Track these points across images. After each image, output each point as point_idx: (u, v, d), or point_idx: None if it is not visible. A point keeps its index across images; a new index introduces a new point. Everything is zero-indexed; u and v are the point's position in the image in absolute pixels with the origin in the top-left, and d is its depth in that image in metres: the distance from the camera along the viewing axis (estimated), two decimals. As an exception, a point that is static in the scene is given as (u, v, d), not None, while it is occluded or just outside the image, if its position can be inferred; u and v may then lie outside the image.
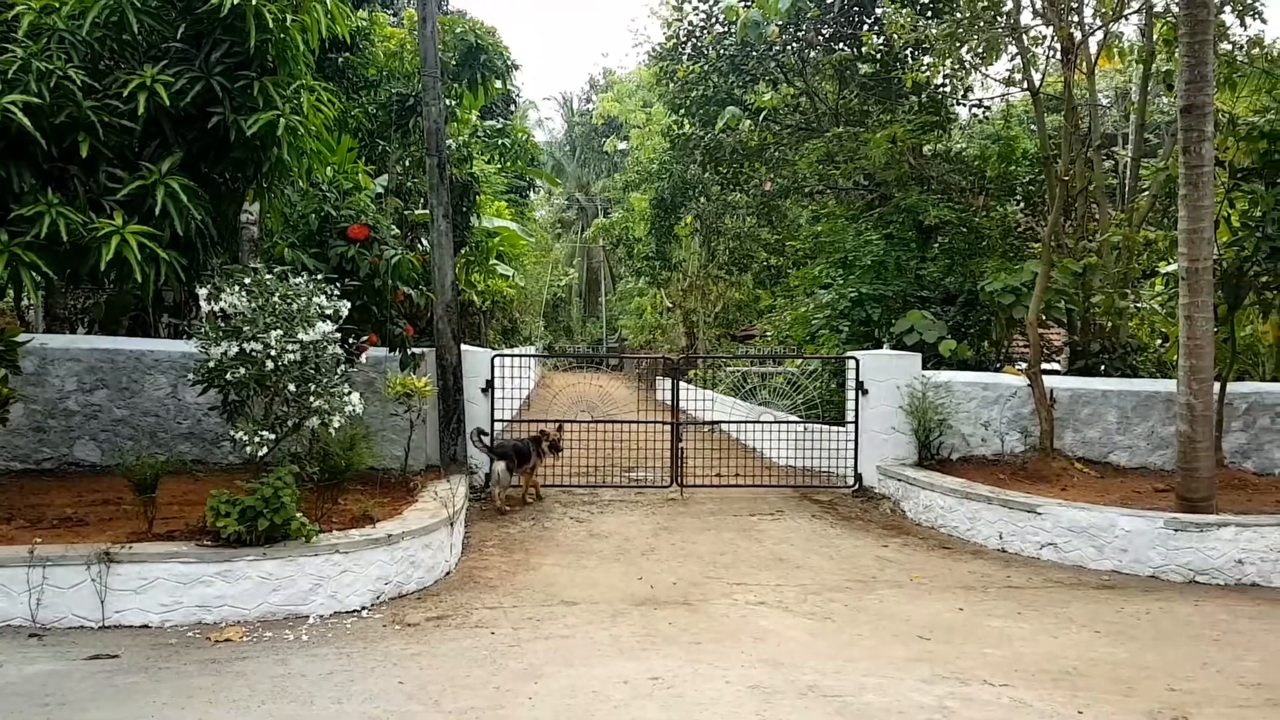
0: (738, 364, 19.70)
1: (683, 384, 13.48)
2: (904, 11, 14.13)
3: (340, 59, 12.54)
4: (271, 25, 7.06)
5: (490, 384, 11.40)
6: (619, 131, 42.74)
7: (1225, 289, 10.45)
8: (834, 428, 12.38)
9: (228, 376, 6.91)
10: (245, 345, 6.84)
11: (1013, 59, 12.85)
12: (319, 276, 7.82)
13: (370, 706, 5.00)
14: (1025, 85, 12.28)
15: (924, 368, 11.85)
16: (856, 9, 17.58)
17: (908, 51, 16.09)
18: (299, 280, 7.45)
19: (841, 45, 17.98)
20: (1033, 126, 14.58)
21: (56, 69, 6.45)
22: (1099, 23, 12.57)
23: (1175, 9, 10.47)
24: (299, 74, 7.69)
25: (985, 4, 12.17)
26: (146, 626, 6.22)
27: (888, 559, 8.74)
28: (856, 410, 11.89)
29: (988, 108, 18.05)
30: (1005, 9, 12.26)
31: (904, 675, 5.59)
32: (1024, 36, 12.17)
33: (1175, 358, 9.38)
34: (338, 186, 10.05)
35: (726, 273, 26.57)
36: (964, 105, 17.83)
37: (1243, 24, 11.64)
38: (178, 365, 9.62)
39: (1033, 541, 8.93)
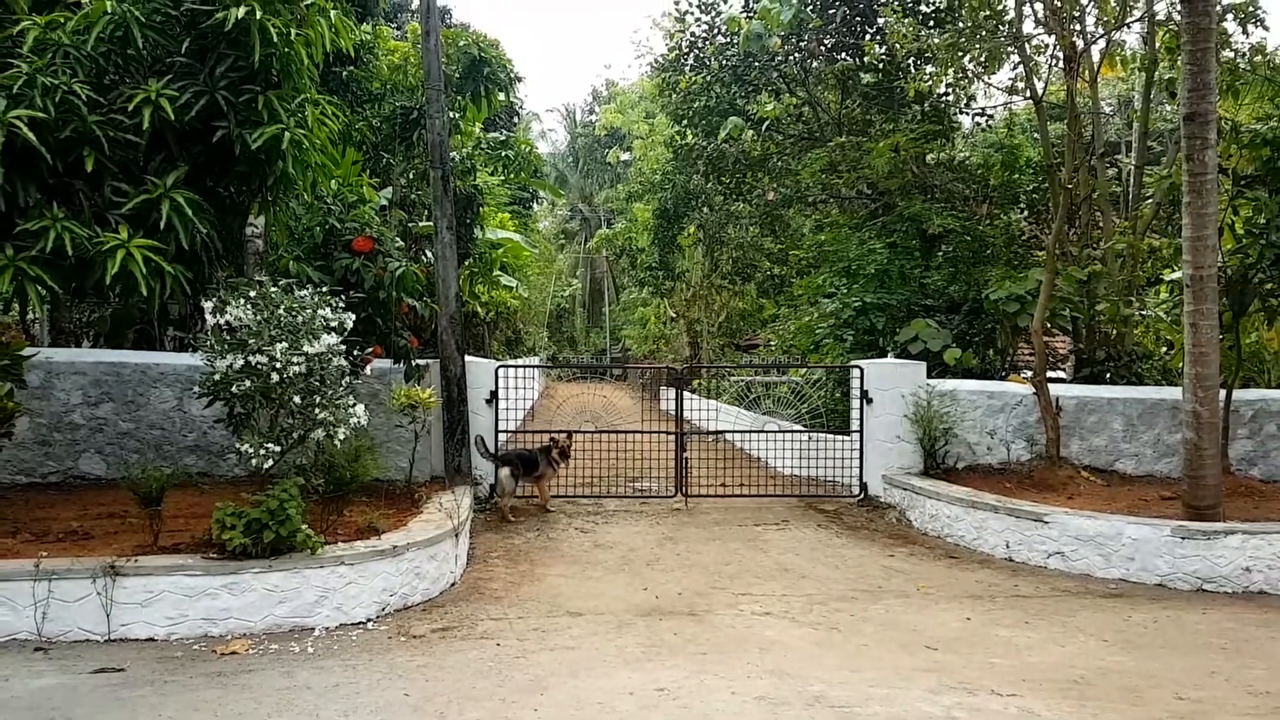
0: (742, 373, 19.69)
1: (687, 394, 13.49)
2: (906, 21, 14.16)
3: (344, 73, 12.59)
4: (276, 40, 7.10)
5: (494, 395, 11.41)
6: (622, 142, 42.83)
7: (1230, 296, 10.43)
8: (839, 437, 12.37)
9: (233, 389, 6.93)
10: (250, 358, 6.86)
11: (1015, 68, 12.89)
12: (324, 289, 7.84)
13: (377, 719, 5.00)
14: (1028, 94, 12.29)
15: (929, 376, 11.84)
16: (858, 19, 17.60)
17: (910, 61, 16.10)
18: (304, 293, 7.48)
19: (844, 55, 18.00)
20: (1036, 135, 14.58)
21: (61, 84, 6.48)
22: (1101, 31, 12.60)
23: (1177, 17, 10.47)
24: (303, 88, 7.73)
25: (987, 13, 12.19)
26: (152, 640, 6.22)
27: (894, 569, 8.71)
28: (861, 419, 11.88)
29: (991, 116, 18.05)
30: (1007, 18, 12.29)
31: (911, 685, 5.57)
32: (1026, 45, 12.18)
33: (1181, 365, 9.36)
34: (342, 199, 10.09)
35: (730, 282, 26.54)
36: (967, 114, 17.82)
37: (1245, 32, 11.64)
38: (183, 378, 9.64)
39: (1040, 550, 8.91)
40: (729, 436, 15.18)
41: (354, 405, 7.46)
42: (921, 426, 11.18)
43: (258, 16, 6.94)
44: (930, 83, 14.67)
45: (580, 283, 56.60)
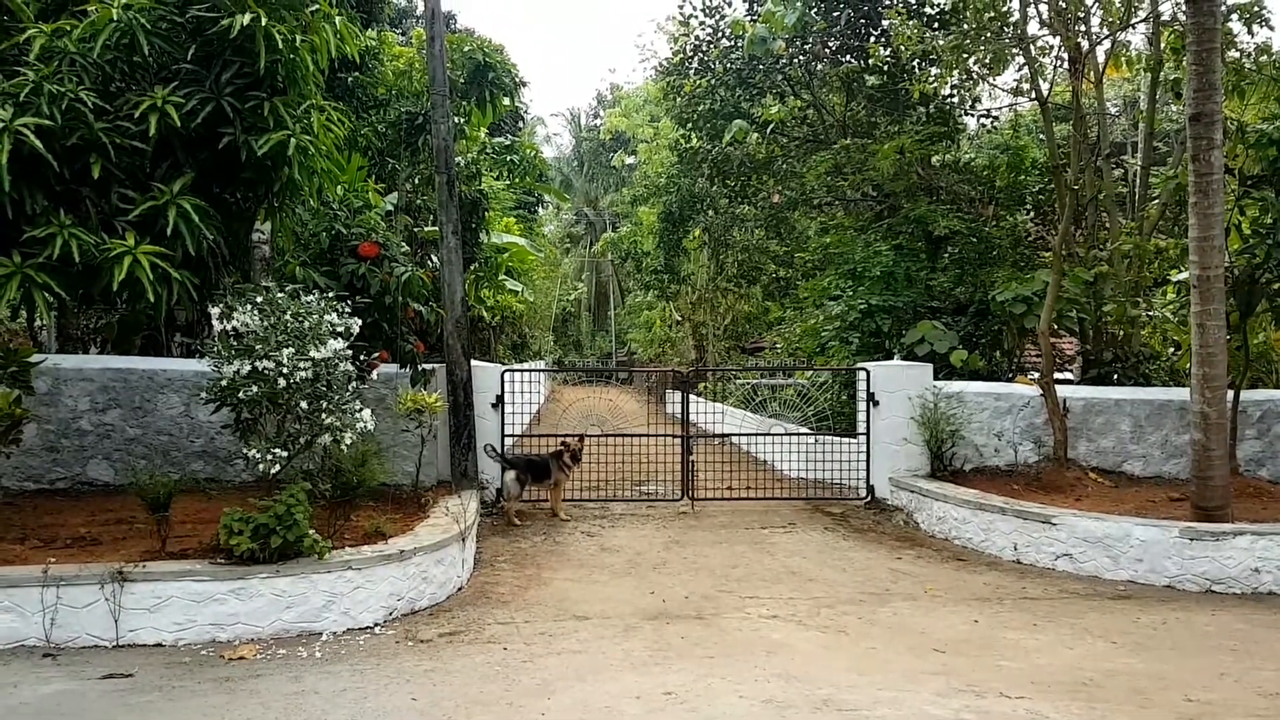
0: (747, 376, 19.68)
1: (692, 397, 13.49)
2: (911, 23, 14.16)
3: (350, 78, 12.62)
4: (281, 46, 7.11)
5: (500, 399, 11.42)
6: (627, 146, 42.89)
7: (1237, 296, 10.40)
8: (845, 439, 12.36)
9: (240, 395, 6.94)
10: (257, 363, 6.87)
11: (1020, 69, 12.87)
12: (330, 294, 7.86)
13: (384, 724, 5.01)
14: (1033, 95, 12.28)
15: (935, 378, 11.82)
16: (863, 22, 17.60)
17: (915, 63, 16.09)
18: (310, 298, 7.49)
19: (848, 58, 18.01)
20: (1041, 136, 14.59)
21: (68, 91, 6.50)
22: (1106, 32, 12.57)
23: (1182, 18, 10.46)
24: (309, 94, 7.75)
25: (992, 15, 12.19)
26: (160, 645, 6.24)
27: (901, 571, 8.70)
28: (868, 422, 11.86)
29: (996, 118, 18.05)
30: (1012, 20, 12.28)
31: (919, 688, 5.56)
32: (1031, 47, 12.17)
33: (1188, 366, 9.35)
34: (348, 205, 10.12)
35: (735, 285, 26.53)
36: (972, 115, 17.84)
37: (1250, 32, 11.62)
38: (190, 384, 9.66)
39: (1048, 552, 8.88)
40: (735, 440, 15.18)
41: (360, 410, 7.47)
42: (928, 429, 11.16)
43: (263, 23, 6.96)
44: (935, 84, 14.66)
45: (585, 286, 56.67)
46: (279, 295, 7.32)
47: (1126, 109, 22.86)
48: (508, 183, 19.50)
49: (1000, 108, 17.94)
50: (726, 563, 8.90)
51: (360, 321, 7.89)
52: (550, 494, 10.99)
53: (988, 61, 12.42)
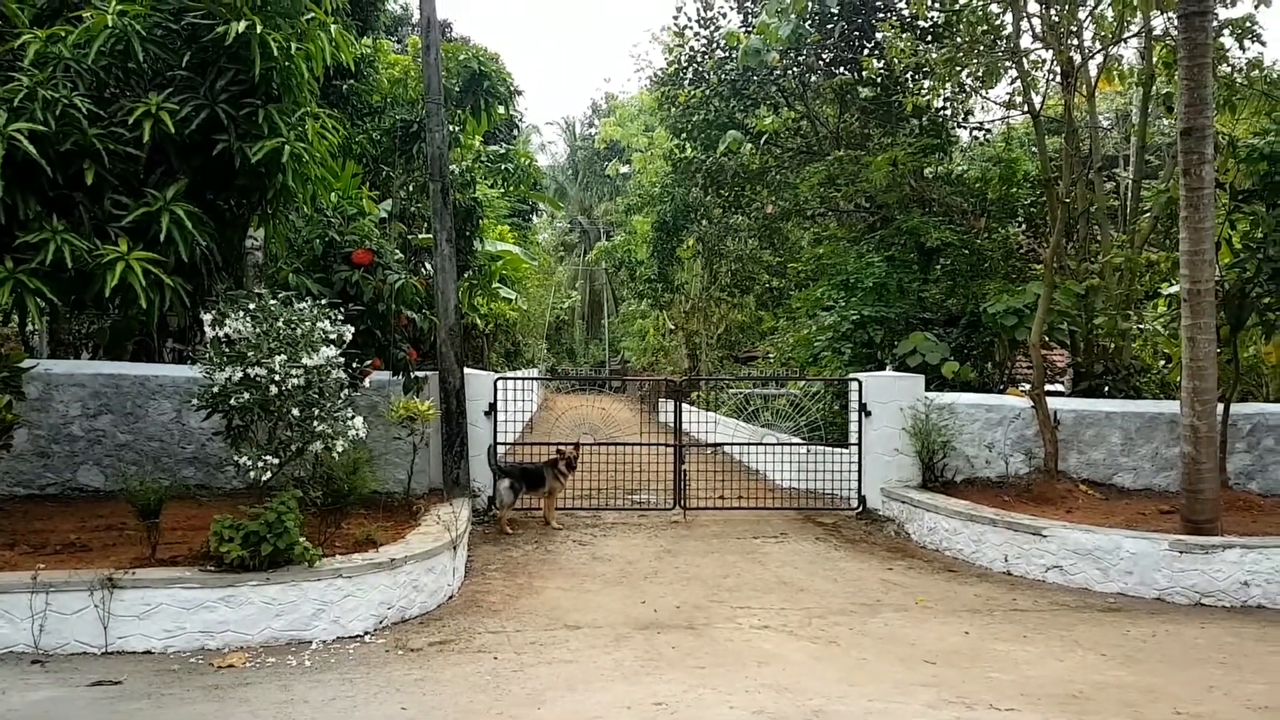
0: (740, 386, 19.70)
1: (685, 406, 13.48)
2: (904, 36, 14.24)
3: (344, 86, 12.64)
4: (276, 53, 7.13)
5: (493, 407, 11.41)
6: (621, 155, 42.93)
7: (1228, 310, 10.46)
8: (837, 450, 12.37)
9: (232, 401, 6.94)
10: (249, 370, 6.87)
11: (1013, 82, 12.94)
12: (323, 301, 7.85)
13: (373, 733, 4.99)
14: (1026, 108, 12.34)
15: (927, 389, 11.84)
16: (857, 34, 17.67)
17: (908, 75, 16.17)
18: (303, 305, 7.49)
19: (842, 70, 18.08)
20: (1033, 149, 14.63)
21: (62, 97, 6.50)
22: (1099, 46, 12.65)
23: (1174, 33, 10.54)
24: (303, 101, 7.76)
25: (985, 28, 12.25)
26: (150, 652, 6.21)
27: (892, 582, 8.70)
28: (860, 432, 11.88)
29: (988, 130, 18.11)
30: (1005, 33, 12.34)
31: (909, 700, 5.56)
32: (1024, 60, 12.24)
33: (1178, 379, 9.38)
34: (342, 212, 10.11)
35: (729, 295, 26.58)
36: (965, 128, 17.90)
37: (1241, 47, 11.69)
38: (182, 390, 9.64)
39: (1038, 564, 8.90)
40: (727, 449, 15.18)
41: (352, 418, 7.46)
42: (920, 439, 11.18)
43: (258, 31, 6.98)
44: (928, 97, 14.72)
45: (579, 295, 56.67)
46: (272, 302, 7.32)
47: (1118, 122, 22.98)
48: (502, 191, 19.51)
49: (993, 120, 18.02)
50: (718, 572, 8.90)
51: (353, 329, 7.89)
52: (544, 502, 10.98)
53: (980, 74, 12.48)
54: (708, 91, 19.44)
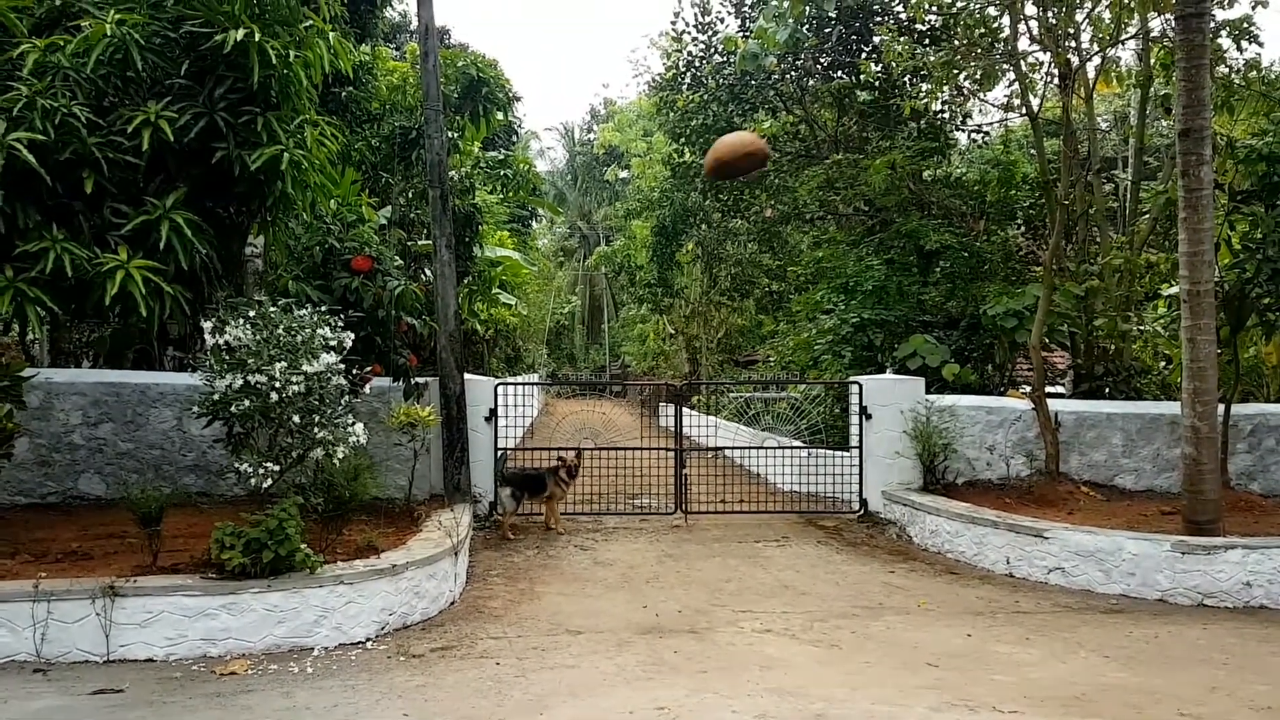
0: (741, 390, 19.70)
1: (686, 410, 13.50)
2: (902, 40, 14.23)
3: (343, 93, 12.66)
4: (275, 61, 7.14)
5: (494, 412, 11.41)
6: (620, 160, 43.02)
7: (1227, 311, 10.46)
8: (838, 453, 12.37)
9: (232, 409, 6.94)
10: (250, 377, 6.87)
11: (1011, 85, 12.93)
12: (323, 308, 7.87)
13: (376, 739, 4.99)
14: (1024, 110, 12.34)
15: (928, 392, 11.84)
16: (854, 38, 17.70)
17: (906, 79, 16.20)
18: (303, 312, 7.50)
19: (840, 73, 18.10)
20: (1032, 151, 14.65)
21: (61, 106, 6.51)
22: (1096, 48, 12.65)
23: (1172, 35, 10.55)
24: (302, 109, 7.78)
25: (982, 31, 12.26)
26: (151, 660, 6.21)
27: (895, 585, 8.70)
28: (860, 435, 11.88)
29: (987, 133, 18.14)
30: (1003, 36, 12.35)
31: (912, 703, 5.56)
32: (1022, 63, 12.24)
33: (1179, 380, 9.38)
34: (341, 219, 10.13)
35: (728, 299, 26.61)
36: (963, 131, 17.92)
37: (1239, 48, 11.69)
38: (183, 398, 9.63)
39: (1040, 566, 8.89)
40: (728, 453, 15.18)
41: (353, 424, 7.47)
42: (921, 442, 11.18)
43: (256, 39, 6.99)
44: (926, 100, 14.73)
45: (579, 300, 56.67)
46: (272, 309, 7.33)
47: (1117, 124, 23.01)
48: (501, 196, 19.55)
49: (991, 123, 18.02)
50: (720, 576, 8.90)
51: (353, 335, 7.90)
52: (546, 507, 10.98)
53: (978, 77, 12.48)
54: (706, 96, 19.48)
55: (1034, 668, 6.33)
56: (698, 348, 29.62)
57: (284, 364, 6.97)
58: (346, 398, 7.72)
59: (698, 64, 19.92)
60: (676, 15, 19.83)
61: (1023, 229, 16.06)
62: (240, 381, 6.88)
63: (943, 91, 13.83)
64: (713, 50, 19.67)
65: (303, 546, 6.63)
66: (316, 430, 7.20)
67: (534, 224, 33.75)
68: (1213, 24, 10.49)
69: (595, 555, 9.78)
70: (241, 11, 7.16)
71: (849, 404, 12.39)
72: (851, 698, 5.62)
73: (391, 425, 9.50)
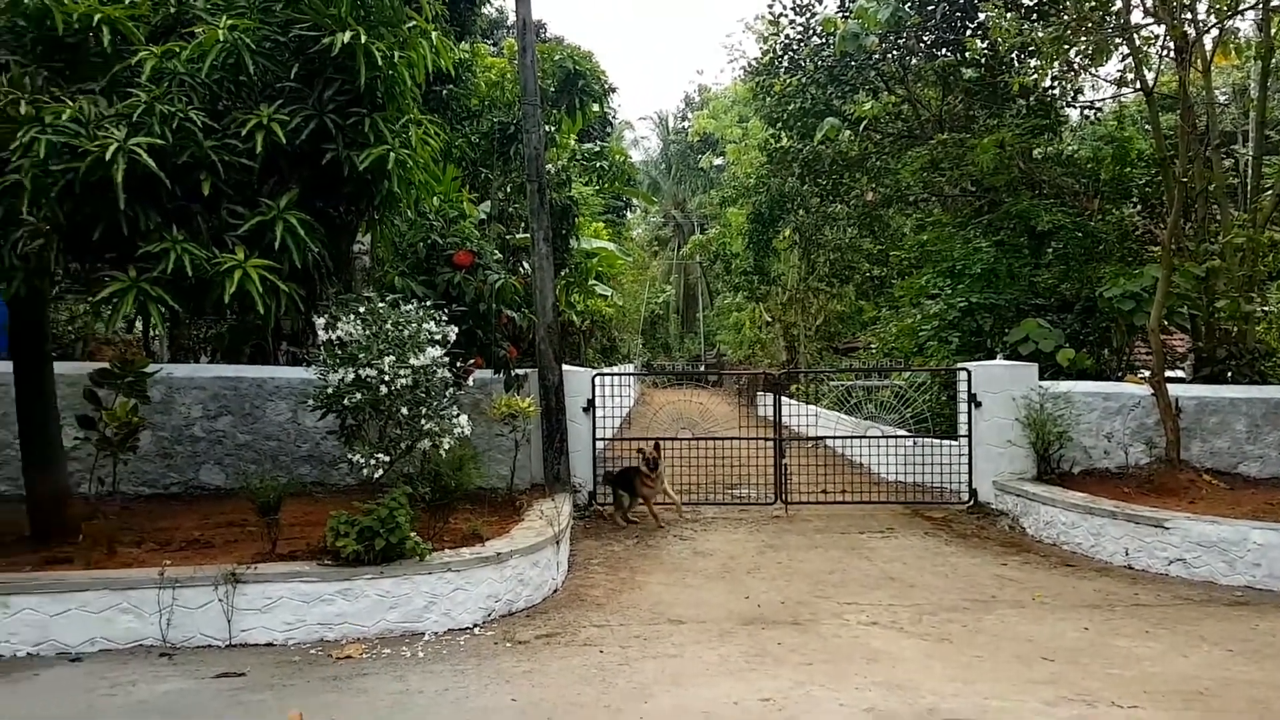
0: (841, 378, 19.42)
1: (785, 399, 13.35)
2: (1008, 16, 13.76)
3: (444, 91, 12.86)
4: (380, 63, 7.27)
5: (591, 403, 11.50)
6: (715, 148, 42.75)
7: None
8: (945, 442, 12.10)
9: (344, 402, 7.14)
10: (360, 371, 7.06)
11: (1124, 59, 12.38)
12: (428, 303, 8.02)
13: (485, 725, 5.08)
14: (1138, 85, 11.83)
15: (1041, 378, 11.48)
16: (958, 15, 17.21)
17: (1014, 55, 15.67)
18: (409, 307, 7.66)
19: (944, 51, 17.64)
20: (1147, 127, 14.05)
21: (178, 111, 6.72)
22: (1214, 19, 12.04)
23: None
24: (407, 109, 7.89)
25: (1093, 4, 11.77)
26: (271, 644, 6.44)
27: (1007, 577, 8.47)
28: (970, 424, 11.59)
29: (1099, 109, 17.45)
30: (1114, 9, 11.84)
31: (1027, 697, 5.40)
32: (1135, 36, 11.72)
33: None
34: (443, 215, 10.30)
35: (827, 285, 26.21)
36: (1074, 107, 17.27)
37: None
38: (297, 391, 9.97)
39: (1160, 557, 8.55)
40: (829, 442, 14.99)
41: (457, 415, 7.61)
42: (1034, 430, 10.84)
43: (362, 41, 7.12)
44: (1035, 77, 14.23)
45: (674, 289, 56.67)
46: (380, 305, 7.51)
47: (1236, 97, 21.84)
48: (596, 188, 19.63)
49: (1104, 99, 17.35)
50: (822, 568, 8.80)
51: (456, 329, 8.04)
52: (646, 507, 10.91)
53: (1089, 52, 12.01)
54: (804, 79, 19.20)
55: (1154, 662, 6.09)
56: (795, 335, 29.28)
57: (392, 358, 7.14)
58: (451, 390, 7.87)
59: (795, 47, 19.63)
60: (773, -1, 19.59)
61: (1139, 208, 15.44)
62: (352, 375, 7.07)
63: (1052, 68, 13.33)
64: (811, 32, 19.35)
65: (412, 535, 6.79)
66: (423, 422, 7.36)
67: (629, 214, 33.86)
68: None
69: (695, 545, 9.78)
70: (348, 14, 7.31)
71: (956, 391, 12.09)
72: (963, 692, 5.50)
73: (493, 416, 9.64)
